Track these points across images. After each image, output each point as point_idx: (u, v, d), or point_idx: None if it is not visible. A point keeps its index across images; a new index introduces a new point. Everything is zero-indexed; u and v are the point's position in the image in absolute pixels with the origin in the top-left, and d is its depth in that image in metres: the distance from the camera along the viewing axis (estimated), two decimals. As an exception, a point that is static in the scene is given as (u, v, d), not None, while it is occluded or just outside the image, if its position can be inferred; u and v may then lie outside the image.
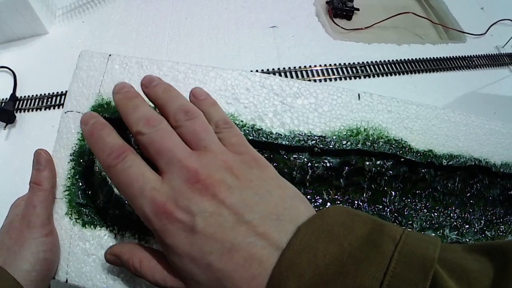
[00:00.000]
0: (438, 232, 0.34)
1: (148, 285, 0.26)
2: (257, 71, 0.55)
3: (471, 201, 0.37)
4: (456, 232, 0.35)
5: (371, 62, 0.58)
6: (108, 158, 0.21)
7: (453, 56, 0.61)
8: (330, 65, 0.57)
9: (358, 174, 0.32)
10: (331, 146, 0.30)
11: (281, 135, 0.29)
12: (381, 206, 0.33)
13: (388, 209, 0.33)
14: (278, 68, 0.55)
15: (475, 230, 0.36)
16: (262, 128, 0.29)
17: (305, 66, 0.57)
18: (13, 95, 0.54)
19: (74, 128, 0.29)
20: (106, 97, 0.30)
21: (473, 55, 0.63)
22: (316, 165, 0.30)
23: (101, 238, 0.27)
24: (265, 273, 0.17)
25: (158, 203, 0.19)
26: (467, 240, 0.35)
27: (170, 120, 0.23)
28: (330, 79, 0.56)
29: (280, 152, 0.30)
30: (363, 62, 0.58)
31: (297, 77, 0.56)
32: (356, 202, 0.32)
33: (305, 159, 0.30)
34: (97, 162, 0.29)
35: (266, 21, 0.62)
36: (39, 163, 0.27)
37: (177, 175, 0.20)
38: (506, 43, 0.65)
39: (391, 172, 0.33)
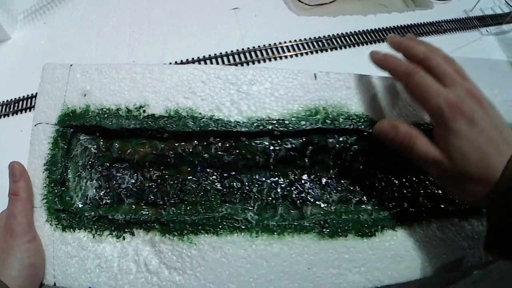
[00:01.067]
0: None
1: (131, 283, 0.29)
2: (221, 53, 0.56)
3: None
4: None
5: (337, 34, 0.59)
6: (407, 71, 0.30)
7: (420, 23, 0.62)
8: (295, 41, 0.58)
9: (322, 152, 0.34)
10: (291, 128, 0.32)
11: (239, 122, 0.31)
12: (350, 181, 0.35)
13: (357, 184, 0.35)
14: (243, 49, 0.56)
15: None
16: (221, 118, 0.31)
17: (269, 44, 0.57)
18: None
19: (45, 139, 0.31)
20: (71, 105, 0.32)
21: (441, 20, 0.64)
22: (278, 148, 0.32)
23: (81, 240, 0.29)
24: (505, 160, 0.27)
25: (452, 101, 0.28)
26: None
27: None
28: (296, 55, 0.57)
29: (241, 139, 0.32)
30: (328, 35, 0.58)
31: (262, 55, 0.56)
32: (324, 180, 0.34)
33: (266, 143, 0.32)
34: (70, 168, 0.32)
35: (228, 3, 0.62)
36: (14, 174, 0.29)
37: (460, 89, 0.29)
38: (474, 7, 0.66)
39: (355, 147, 0.34)
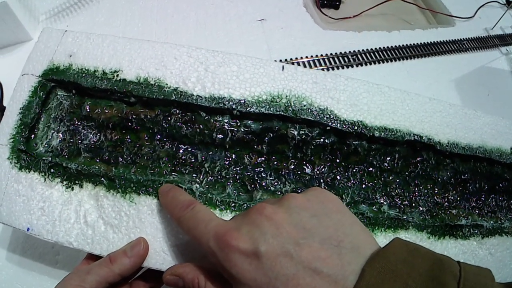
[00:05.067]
0: (374, 207, 0.37)
1: (67, 232, 0.33)
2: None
3: (416, 181, 0.39)
4: (397, 210, 0.38)
5: (363, 50, 0.64)
6: (180, 210, 0.27)
7: (443, 41, 0.68)
8: (321, 55, 0.63)
9: (282, 142, 0.37)
10: (251, 110, 0.35)
11: (201, 97, 0.35)
12: (308, 177, 0.37)
13: (316, 180, 0.37)
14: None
15: (420, 210, 0.38)
16: (184, 91, 0.36)
17: (296, 58, 0.63)
18: (0, 104, 0.56)
19: (27, 88, 0.38)
20: (57, 63, 0.38)
21: (463, 39, 0.70)
22: (236, 128, 0.36)
23: (33, 181, 0.34)
24: None
25: (220, 233, 0.23)
26: (410, 218, 0.37)
27: None
28: (322, 69, 0.61)
29: (201, 114, 0.36)
30: (354, 51, 0.64)
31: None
32: (280, 169, 0.37)
33: (226, 121, 0.36)
34: (42, 119, 0.37)
35: (254, 14, 0.69)
36: (132, 249, 0.31)
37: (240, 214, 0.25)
38: (495, 25, 0.72)
39: (317, 141, 0.37)
